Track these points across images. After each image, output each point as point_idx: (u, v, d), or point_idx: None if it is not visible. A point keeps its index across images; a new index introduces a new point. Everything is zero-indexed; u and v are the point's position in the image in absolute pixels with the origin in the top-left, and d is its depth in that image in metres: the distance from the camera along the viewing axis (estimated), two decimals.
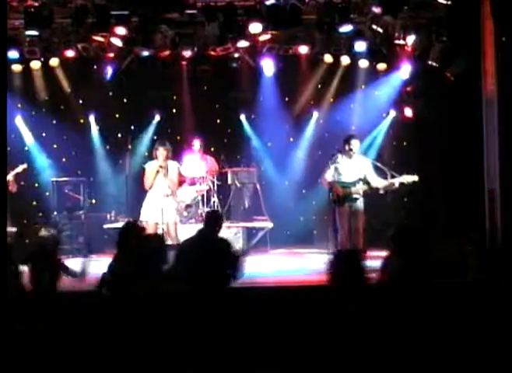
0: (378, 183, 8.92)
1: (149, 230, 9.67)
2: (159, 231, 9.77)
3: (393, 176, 8.84)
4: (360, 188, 8.97)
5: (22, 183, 11.10)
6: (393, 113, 12.08)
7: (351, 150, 8.96)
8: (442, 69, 10.73)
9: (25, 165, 9.54)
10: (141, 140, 12.54)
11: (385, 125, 12.09)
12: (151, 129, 12.59)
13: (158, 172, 9.09)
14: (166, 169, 9.12)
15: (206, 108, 12.45)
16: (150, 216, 9.22)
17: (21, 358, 4.31)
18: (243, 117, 12.70)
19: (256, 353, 3.46)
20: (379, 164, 9.05)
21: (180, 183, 11.34)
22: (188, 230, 8.98)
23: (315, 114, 12.61)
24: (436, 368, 3.46)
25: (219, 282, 5.90)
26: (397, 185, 8.81)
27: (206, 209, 11.19)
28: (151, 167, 9.18)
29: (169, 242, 9.18)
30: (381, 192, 9.01)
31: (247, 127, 12.71)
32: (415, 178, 8.81)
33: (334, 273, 3.95)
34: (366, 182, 9.04)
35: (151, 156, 12.30)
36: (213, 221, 6.53)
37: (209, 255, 6.05)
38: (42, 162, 12.29)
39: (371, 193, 9.19)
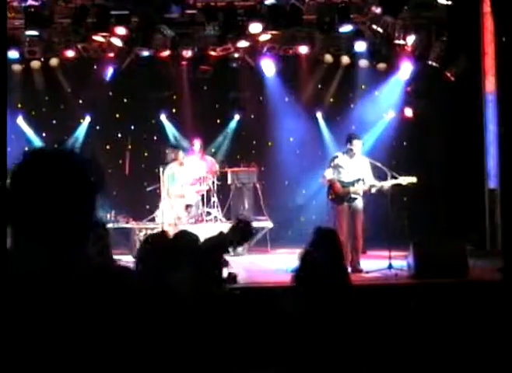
0: (372, 183, 8.92)
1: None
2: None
3: (393, 177, 8.82)
4: (359, 188, 8.96)
5: None
6: (393, 113, 12.07)
7: (352, 150, 8.95)
8: (442, 69, 10.73)
9: None
10: (141, 140, 12.56)
11: (385, 125, 12.08)
12: (151, 129, 12.60)
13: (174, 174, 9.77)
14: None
15: (206, 108, 12.45)
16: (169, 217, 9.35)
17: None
18: (236, 117, 12.68)
19: (255, 353, 3.47)
20: (379, 164, 9.03)
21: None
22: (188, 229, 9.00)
23: (315, 114, 12.60)
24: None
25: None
26: (386, 187, 8.73)
27: (206, 209, 11.18)
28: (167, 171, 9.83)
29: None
30: (373, 191, 8.97)
31: (232, 128, 12.69)
32: (414, 179, 8.79)
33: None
34: (364, 182, 9.04)
35: (150, 156, 12.44)
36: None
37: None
38: None
39: (371, 193, 9.19)
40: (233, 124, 12.68)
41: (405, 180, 8.77)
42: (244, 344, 3.53)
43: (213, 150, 12.47)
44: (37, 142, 12.39)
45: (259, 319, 3.80)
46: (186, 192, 10.05)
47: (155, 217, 10.32)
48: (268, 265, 9.50)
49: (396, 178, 8.81)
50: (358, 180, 8.96)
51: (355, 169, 8.96)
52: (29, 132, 12.34)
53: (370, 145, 11.59)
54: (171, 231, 9.54)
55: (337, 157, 9.03)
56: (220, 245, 6.27)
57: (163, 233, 5.97)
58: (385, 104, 12.00)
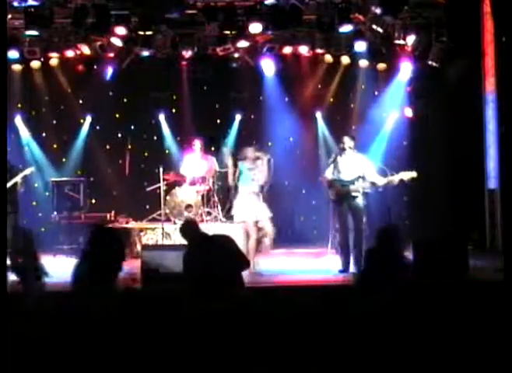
0: (377, 180, 8.92)
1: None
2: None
3: (392, 175, 8.84)
4: (359, 186, 8.97)
5: None
6: (393, 113, 12.06)
7: (342, 148, 9.03)
8: (442, 69, 10.74)
9: (32, 168, 9.74)
10: (141, 140, 12.56)
11: (385, 125, 12.07)
12: (151, 129, 12.59)
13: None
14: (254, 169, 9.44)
15: (206, 108, 12.44)
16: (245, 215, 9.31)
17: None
18: (238, 117, 12.65)
19: (254, 353, 3.47)
20: (379, 163, 9.05)
21: (180, 182, 11.37)
22: None
23: (315, 114, 12.60)
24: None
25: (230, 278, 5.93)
26: (396, 182, 8.79)
27: (206, 209, 11.18)
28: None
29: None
30: (380, 189, 9.00)
31: (235, 128, 12.65)
32: (414, 174, 8.81)
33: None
34: (365, 179, 9.05)
35: (150, 156, 12.44)
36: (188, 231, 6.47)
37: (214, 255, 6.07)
38: (42, 161, 12.29)
39: (371, 193, 9.19)
40: (233, 124, 12.67)
41: (405, 175, 8.79)
42: (245, 344, 3.54)
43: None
44: (36, 142, 12.40)
45: (260, 320, 3.80)
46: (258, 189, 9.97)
47: (232, 216, 10.19)
48: (268, 265, 9.49)
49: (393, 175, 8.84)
50: (358, 178, 8.97)
51: (354, 167, 8.97)
52: (29, 132, 12.34)
53: (371, 145, 11.61)
54: (253, 230, 9.47)
55: (336, 157, 9.08)
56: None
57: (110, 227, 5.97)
58: (386, 104, 12.00)
